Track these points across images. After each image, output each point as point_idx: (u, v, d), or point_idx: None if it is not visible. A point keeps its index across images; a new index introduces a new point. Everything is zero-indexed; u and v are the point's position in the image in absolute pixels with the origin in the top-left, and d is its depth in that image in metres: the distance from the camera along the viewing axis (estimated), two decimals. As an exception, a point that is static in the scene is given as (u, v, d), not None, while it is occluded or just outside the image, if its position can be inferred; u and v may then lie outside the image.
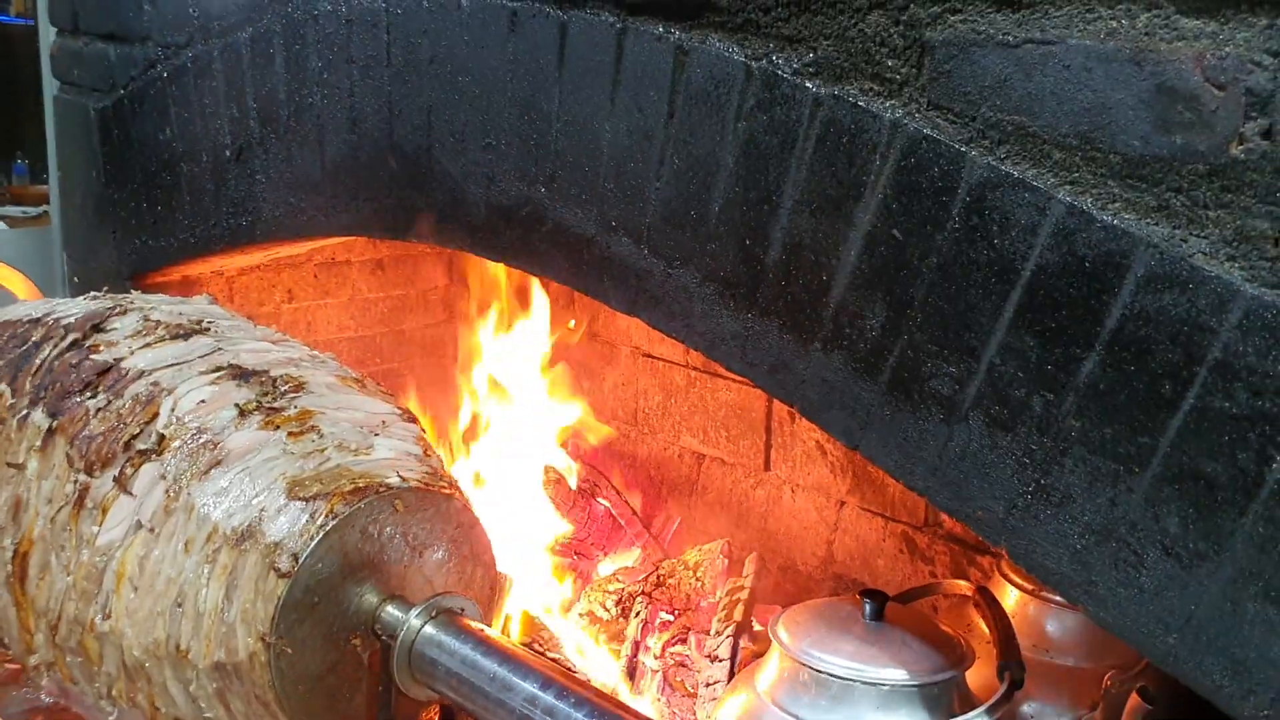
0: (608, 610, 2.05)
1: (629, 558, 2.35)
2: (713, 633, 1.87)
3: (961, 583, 1.64)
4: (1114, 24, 1.02)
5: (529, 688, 1.31)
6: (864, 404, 1.25)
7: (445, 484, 1.49)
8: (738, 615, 1.85)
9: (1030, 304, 1.08)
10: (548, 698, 1.29)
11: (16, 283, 2.69)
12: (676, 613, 2.04)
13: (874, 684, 1.40)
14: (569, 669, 1.79)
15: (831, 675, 1.42)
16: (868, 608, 1.49)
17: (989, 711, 1.32)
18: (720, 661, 1.78)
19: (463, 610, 1.43)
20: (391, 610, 1.42)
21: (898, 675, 1.41)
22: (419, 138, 1.70)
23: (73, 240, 2.56)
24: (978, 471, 1.16)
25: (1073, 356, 1.05)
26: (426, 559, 1.47)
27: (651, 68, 1.38)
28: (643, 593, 2.05)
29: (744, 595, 1.89)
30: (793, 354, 1.30)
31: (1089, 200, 1.04)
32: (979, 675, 1.48)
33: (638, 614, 1.99)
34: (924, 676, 1.41)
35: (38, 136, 7.06)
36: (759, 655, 1.91)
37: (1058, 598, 1.59)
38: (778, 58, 1.27)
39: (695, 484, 2.44)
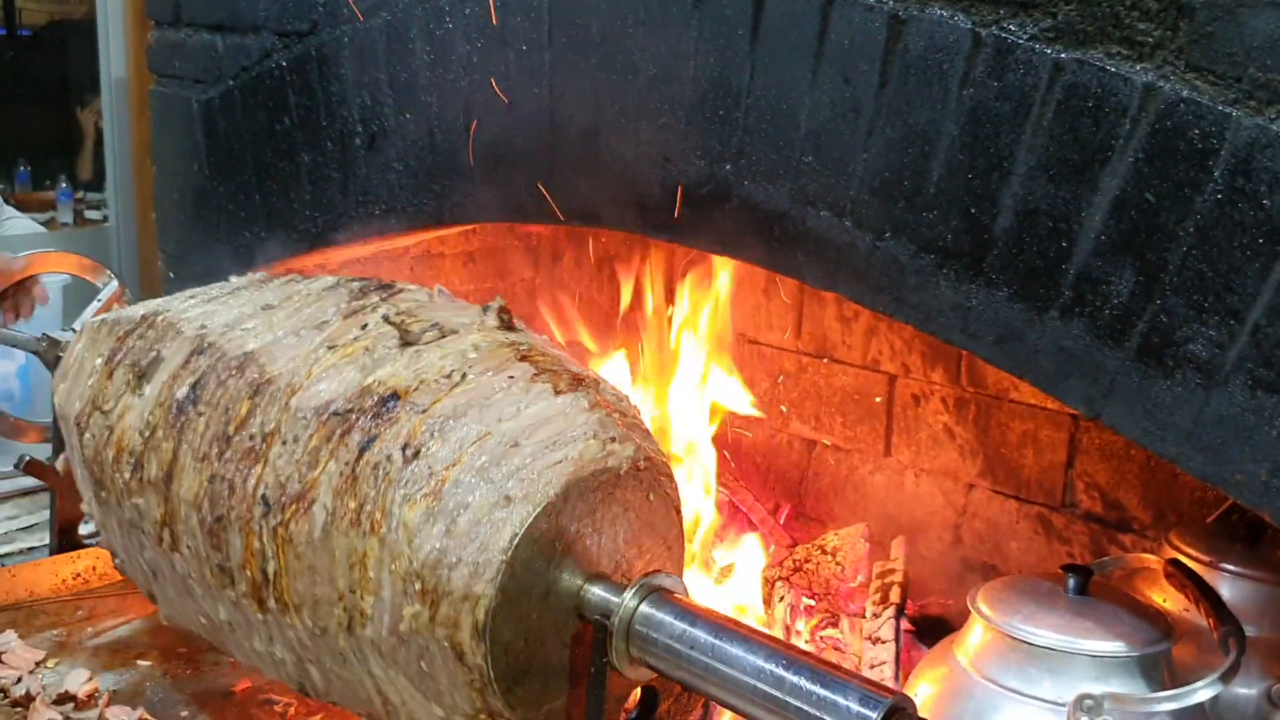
0: (745, 597, 2.04)
1: (741, 546, 2.33)
2: (868, 615, 1.86)
3: (1149, 556, 1.63)
4: None
5: (755, 660, 1.29)
6: (1107, 372, 1.24)
7: (646, 461, 1.47)
8: (894, 597, 1.84)
9: (1309, 262, 1.08)
10: (775, 668, 1.27)
11: (69, 263, 2.58)
12: (817, 597, 2.03)
13: (1090, 655, 1.40)
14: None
15: (1046, 647, 1.41)
16: (1072, 581, 1.48)
17: (1222, 679, 1.31)
18: (884, 643, 1.78)
19: (673, 587, 1.41)
20: (598, 591, 1.40)
21: (1114, 646, 1.40)
22: (584, 119, 1.68)
23: (168, 235, 2.53)
24: (1239, 435, 1.15)
25: (1363, 313, 1.05)
26: (620, 536, 1.45)
27: (862, 38, 1.37)
28: (780, 578, 2.04)
29: (897, 578, 1.89)
30: (1024, 323, 1.29)
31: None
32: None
33: (782, 598, 1.98)
34: (1140, 647, 1.41)
35: (39, 144, 7.01)
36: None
37: (1234, 567, 1.59)
38: (1010, 24, 1.26)
39: (806, 471, 2.44)
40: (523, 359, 1.49)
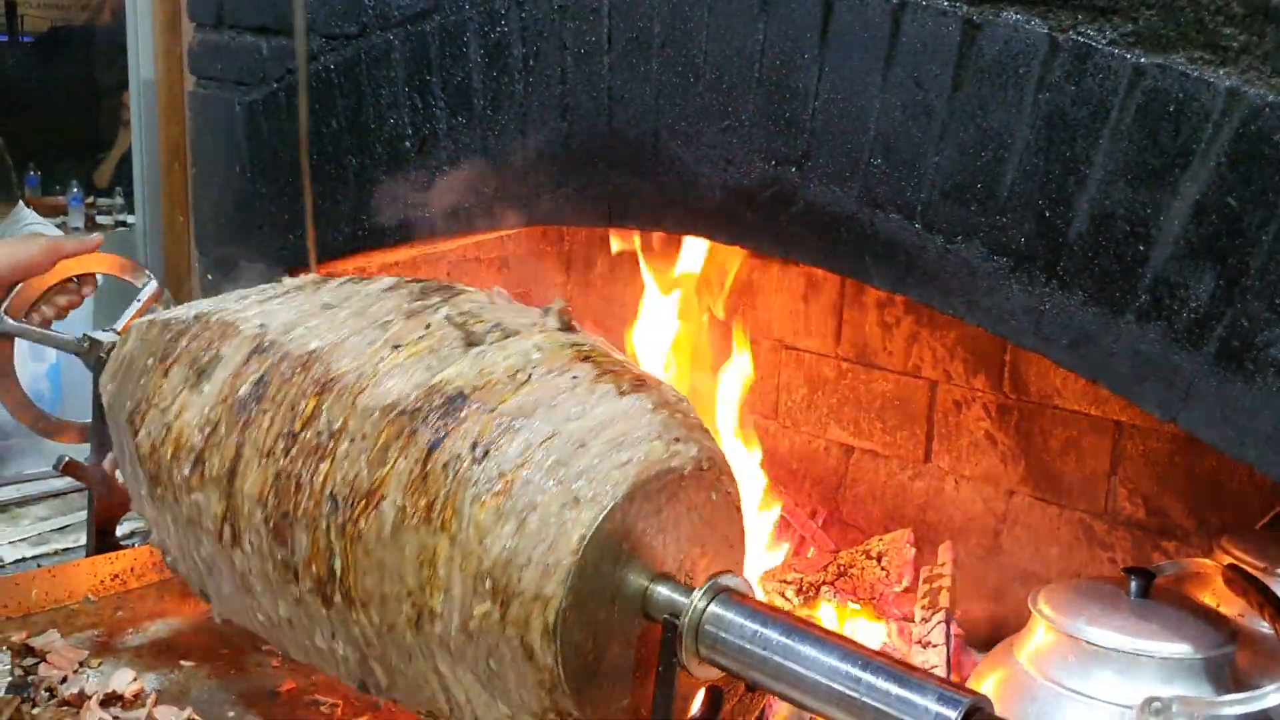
0: (789, 601, 2.04)
1: (781, 551, 2.34)
2: (917, 620, 1.86)
3: (1206, 560, 1.64)
4: None
5: (830, 659, 1.29)
6: (1185, 375, 1.25)
7: (709, 461, 1.47)
8: (944, 601, 1.84)
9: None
10: (851, 668, 1.27)
11: (109, 263, 2.54)
12: (861, 602, 2.03)
13: (1156, 657, 1.41)
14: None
15: (1112, 649, 1.42)
16: (1135, 584, 1.49)
17: (1300, 681, 1.32)
18: (934, 646, 1.78)
19: (741, 588, 1.42)
20: (665, 591, 1.40)
21: (1180, 649, 1.41)
22: (644, 123, 1.69)
23: (206, 238, 2.53)
24: (1320, 438, 1.16)
25: None
26: (684, 535, 1.46)
27: (934, 42, 1.38)
28: (824, 583, 2.05)
29: (946, 582, 1.89)
30: (1099, 327, 1.30)
31: None
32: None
33: (828, 602, 1.98)
34: (1206, 650, 1.41)
35: (47, 150, 7.00)
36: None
37: (1289, 574, 1.60)
38: (1089, 29, 1.27)
39: (844, 477, 2.44)
40: (585, 360, 1.50)
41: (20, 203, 4.19)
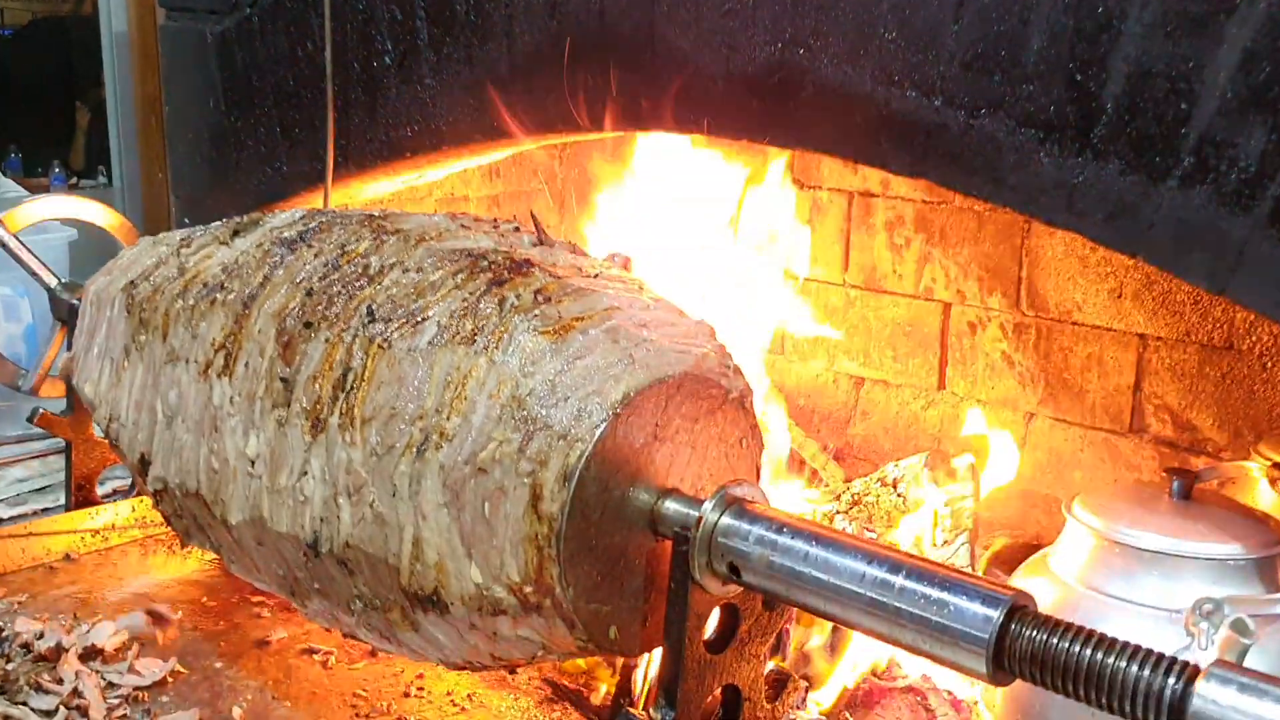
0: (802, 533, 1.94)
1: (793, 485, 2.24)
2: (939, 544, 1.77)
3: (1245, 464, 1.55)
4: None
5: (856, 564, 1.19)
6: (1234, 242, 1.14)
7: (750, 404, 1.39)
8: (967, 522, 1.75)
9: None
10: (880, 572, 1.18)
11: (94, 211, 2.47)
12: (878, 532, 1.93)
13: (1203, 558, 1.31)
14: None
15: (1156, 551, 1.32)
16: (1176, 484, 1.39)
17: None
18: (959, 570, 1.68)
19: (754, 497, 1.32)
20: (674, 505, 1.31)
21: (1229, 549, 1.32)
22: (637, 14, 1.58)
23: (182, 179, 2.42)
24: (1386, 299, 1.07)
25: None
26: (707, 462, 1.36)
27: (950, -100, 1.28)
28: (838, 512, 1.95)
29: (968, 503, 1.80)
30: (1138, 197, 1.20)
31: None
32: None
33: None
34: (1257, 549, 1.32)
35: (28, 138, 6.98)
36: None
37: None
38: None
39: (854, 410, 2.34)
40: (643, 290, 1.44)
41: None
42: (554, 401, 1.25)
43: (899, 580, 1.16)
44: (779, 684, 1.50)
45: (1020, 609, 1.08)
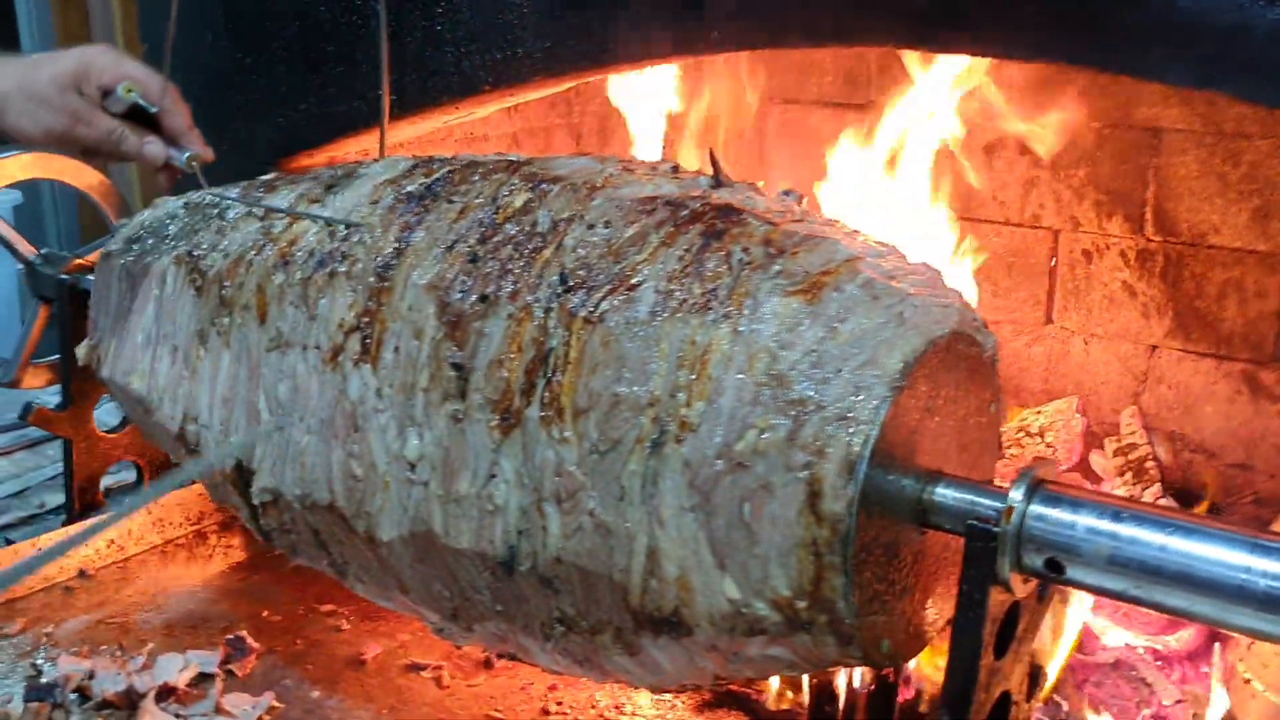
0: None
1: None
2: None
3: None
4: None
5: (1213, 549, 1.01)
6: None
7: (976, 321, 1.17)
8: (1154, 473, 1.59)
9: None
10: (1243, 555, 0.99)
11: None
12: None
13: None
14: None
15: None
16: None
17: None
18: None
19: (1058, 478, 1.12)
20: (950, 492, 1.10)
21: None
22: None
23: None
24: None
25: None
26: (959, 441, 1.16)
27: None
28: (978, 468, 1.78)
29: (1145, 450, 1.64)
30: None
31: None
32: None
33: (996, 489, 1.72)
34: None
35: None
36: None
37: None
38: None
39: (940, 351, 2.16)
40: (858, 233, 1.22)
41: None
42: (822, 377, 1.02)
43: (1259, 561, 0.98)
44: (1032, 679, 1.33)
45: None
